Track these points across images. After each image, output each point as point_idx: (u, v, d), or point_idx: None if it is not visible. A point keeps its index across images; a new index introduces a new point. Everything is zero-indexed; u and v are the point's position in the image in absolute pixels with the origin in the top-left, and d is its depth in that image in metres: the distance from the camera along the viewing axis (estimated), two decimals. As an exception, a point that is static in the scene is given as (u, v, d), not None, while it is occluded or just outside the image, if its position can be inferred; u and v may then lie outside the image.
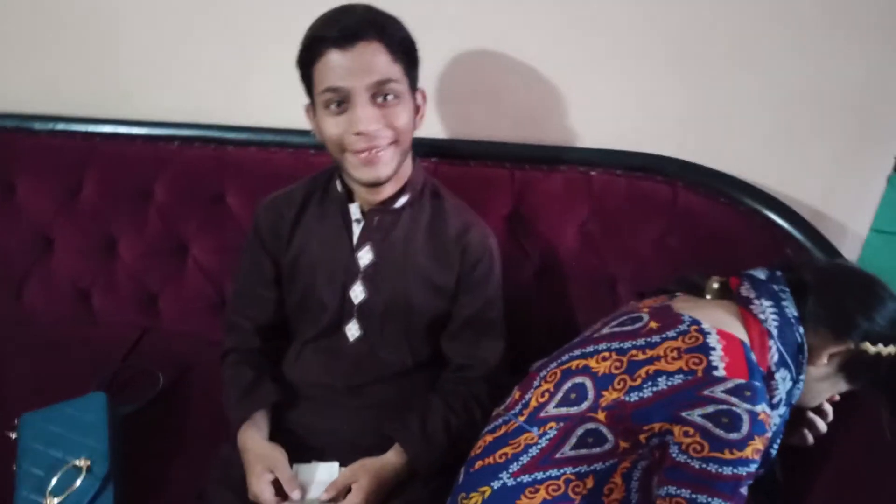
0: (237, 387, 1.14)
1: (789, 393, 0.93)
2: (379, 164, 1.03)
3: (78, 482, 1.08)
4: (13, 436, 1.17)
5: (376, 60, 0.98)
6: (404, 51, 1.03)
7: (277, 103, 1.35)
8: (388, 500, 1.04)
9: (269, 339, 1.22)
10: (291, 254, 1.16)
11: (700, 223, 1.27)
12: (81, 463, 1.11)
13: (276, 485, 1.02)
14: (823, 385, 0.97)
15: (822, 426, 1.03)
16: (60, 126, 1.43)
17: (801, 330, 0.92)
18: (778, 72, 1.22)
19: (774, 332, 0.91)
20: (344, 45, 0.97)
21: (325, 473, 1.07)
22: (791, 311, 0.93)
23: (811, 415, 1.05)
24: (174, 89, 1.43)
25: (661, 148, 1.31)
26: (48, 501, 1.06)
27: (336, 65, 0.98)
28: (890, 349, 0.93)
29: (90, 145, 1.42)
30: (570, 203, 1.32)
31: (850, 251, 1.35)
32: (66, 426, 1.16)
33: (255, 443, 1.07)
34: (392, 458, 1.07)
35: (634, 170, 1.31)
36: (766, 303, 0.94)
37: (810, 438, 1.04)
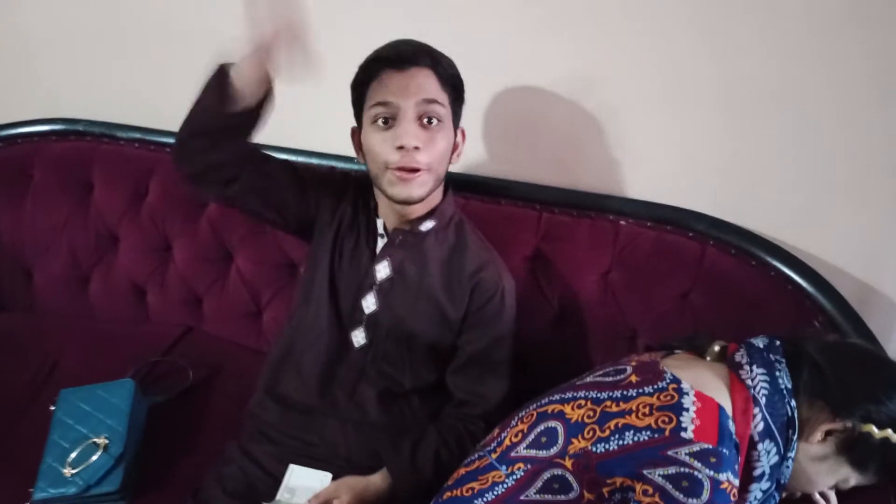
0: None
1: (775, 468, 0.88)
2: (414, 184, 1.08)
3: (94, 457, 1.18)
4: (52, 408, 1.29)
5: (427, 83, 1.06)
6: (453, 84, 1.10)
7: (327, 129, 1.43)
8: None
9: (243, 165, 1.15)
10: (320, 236, 1.20)
11: (727, 283, 1.24)
12: (100, 441, 1.20)
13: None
14: (822, 467, 0.91)
15: None
16: (137, 135, 1.58)
17: (793, 403, 0.88)
18: (822, 131, 1.18)
19: (762, 399, 0.88)
20: (399, 66, 1.05)
21: (316, 481, 1.11)
22: (784, 381, 0.89)
23: (816, 497, 0.98)
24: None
25: (694, 203, 1.29)
26: (67, 470, 1.16)
27: (389, 82, 1.06)
28: None
29: (159, 155, 1.56)
30: (594, 250, 1.31)
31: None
32: (95, 405, 1.27)
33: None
34: (377, 480, 1.10)
35: (664, 223, 1.29)
36: (758, 370, 0.91)
37: None
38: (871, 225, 1.22)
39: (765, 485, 0.88)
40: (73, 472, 1.16)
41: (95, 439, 1.20)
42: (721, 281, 1.24)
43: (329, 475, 1.12)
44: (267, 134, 1.47)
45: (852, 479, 0.91)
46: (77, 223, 1.60)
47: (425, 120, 1.07)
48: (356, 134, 1.15)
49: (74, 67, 1.63)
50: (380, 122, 1.07)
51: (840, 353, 0.93)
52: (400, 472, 1.10)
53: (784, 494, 0.93)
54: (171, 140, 1.55)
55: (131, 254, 1.59)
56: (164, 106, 1.57)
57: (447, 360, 1.19)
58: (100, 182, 1.58)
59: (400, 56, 1.06)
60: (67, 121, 1.62)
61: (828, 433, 0.88)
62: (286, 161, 1.24)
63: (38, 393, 1.39)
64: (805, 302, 1.18)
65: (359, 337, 1.19)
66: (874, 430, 0.86)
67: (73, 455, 1.18)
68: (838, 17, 1.10)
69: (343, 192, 1.23)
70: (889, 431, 0.86)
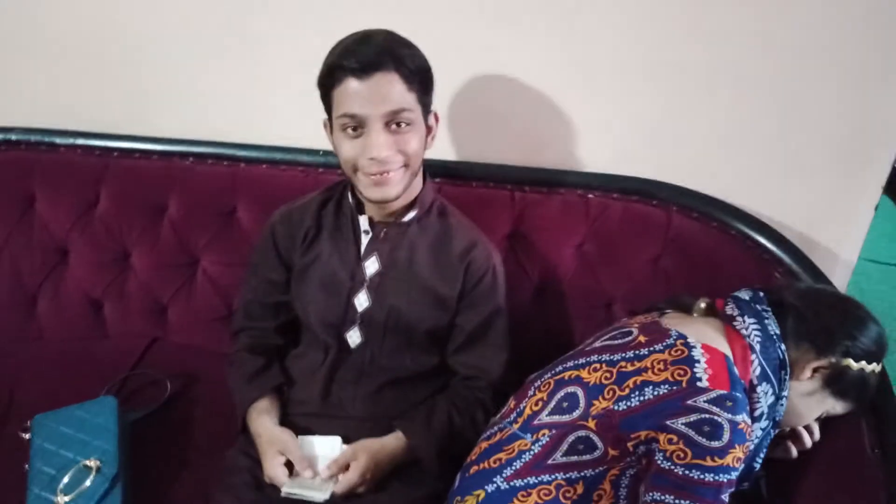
0: (245, 371, 1.21)
1: (772, 407, 0.97)
2: (389, 185, 1.08)
3: (88, 482, 1.12)
4: (26, 436, 1.21)
5: (392, 90, 1.03)
6: (420, 79, 1.07)
7: (288, 123, 1.41)
8: (387, 485, 1.11)
9: (287, 335, 1.29)
10: (304, 261, 1.21)
11: (692, 246, 1.33)
12: (91, 463, 1.14)
13: (289, 465, 1.08)
14: (811, 401, 1.01)
15: (807, 441, 1.07)
16: (80, 141, 1.49)
17: (783, 346, 0.98)
18: (774, 102, 1.28)
19: (757, 346, 0.96)
20: (361, 75, 1.02)
21: (327, 447, 1.13)
22: (773, 328, 0.99)
23: (799, 428, 1.09)
24: (190, 108, 1.49)
25: (656, 173, 1.36)
26: (59, 499, 1.10)
27: (353, 92, 1.03)
28: (874, 367, 0.98)
29: (107, 161, 1.48)
30: (567, 224, 1.37)
31: (840, 279, 1.40)
32: (77, 428, 1.20)
33: (266, 428, 1.14)
34: (392, 441, 1.13)
35: (630, 193, 1.36)
36: (750, 320, 0.99)
37: (794, 452, 1.08)
38: (812, 186, 1.34)
39: (763, 423, 0.97)
40: (68, 499, 1.10)
41: (86, 462, 1.15)
42: (687, 244, 1.33)
43: (338, 438, 1.14)
44: (229, 130, 1.47)
45: (837, 407, 1.02)
46: (19, 241, 1.50)
47: (394, 125, 1.06)
48: (328, 127, 1.14)
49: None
50: (349, 130, 1.06)
51: (815, 299, 1.04)
52: (415, 433, 1.13)
53: (776, 431, 1.03)
54: (118, 144, 1.49)
55: (83, 267, 1.50)
56: (106, 109, 1.51)
57: (445, 341, 1.22)
58: (42, 194, 1.49)
59: (362, 63, 1.01)
60: (1, 129, 1.50)
61: (815, 370, 0.98)
62: (278, 297, 1.26)
63: (2, 423, 1.30)
64: (764, 256, 1.28)
65: (354, 337, 1.20)
66: (852, 363, 0.97)
67: (65, 480, 1.12)
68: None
69: (276, 233, 1.24)
70: (864, 363, 0.98)
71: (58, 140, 1.49)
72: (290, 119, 1.36)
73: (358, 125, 1.05)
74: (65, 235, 1.49)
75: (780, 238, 1.28)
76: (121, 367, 1.42)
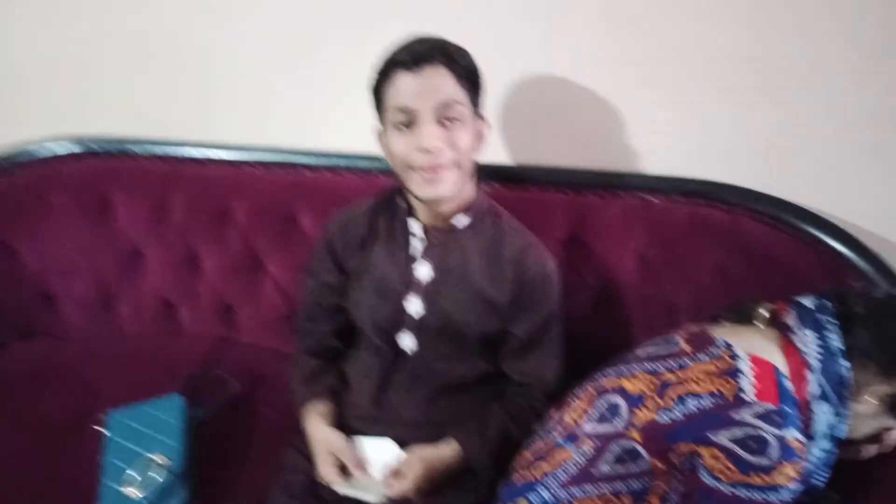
0: (304, 373, 1.26)
1: (833, 427, 0.91)
2: (440, 183, 1.08)
3: (154, 475, 1.18)
4: (101, 430, 1.28)
5: (442, 83, 1.06)
6: (469, 77, 1.09)
7: (347, 130, 1.43)
8: (438, 492, 1.11)
9: (345, 338, 1.31)
10: (358, 266, 1.23)
11: (761, 251, 1.26)
12: (159, 458, 1.20)
13: (342, 468, 1.11)
14: (867, 421, 0.95)
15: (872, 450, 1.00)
16: (154, 149, 1.57)
17: (847, 364, 0.91)
18: (844, 99, 1.21)
19: (816, 364, 0.90)
20: (413, 68, 1.05)
21: (379, 450, 1.15)
22: (836, 343, 0.92)
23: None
24: (255, 117, 1.54)
25: (722, 175, 1.31)
26: (128, 490, 1.16)
27: (405, 86, 1.05)
28: None
29: (178, 167, 1.55)
30: (629, 229, 1.33)
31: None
32: (146, 424, 1.27)
33: (319, 430, 1.17)
34: (447, 450, 1.13)
35: (695, 196, 1.31)
36: (811, 333, 0.93)
37: (870, 451, 1.00)
38: (892, 184, 1.25)
39: (824, 443, 0.91)
40: (135, 491, 1.16)
41: (153, 457, 1.20)
42: (756, 250, 1.26)
43: (390, 441, 1.16)
44: (292, 138, 1.51)
45: (892, 428, 0.95)
46: (100, 244, 1.59)
47: (445, 119, 1.07)
48: (381, 136, 1.16)
49: (78, 86, 1.61)
50: (401, 125, 1.08)
51: (886, 311, 0.96)
52: (470, 443, 1.13)
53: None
54: (189, 151, 1.56)
55: (159, 270, 1.58)
56: (177, 117, 1.58)
57: (499, 347, 1.21)
58: (120, 200, 1.57)
59: (413, 57, 1.05)
60: (79, 141, 1.60)
61: (878, 394, 0.91)
62: (335, 300, 1.29)
63: (83, 415, 1.37)
64: (838, 261, 1.20)
65: (407, 341, 1.20)
66: None
67: (134, 474, 1.18)
68: None
69: (333, 239, 1.26)
70: None
71: (134, 148, 1.58)
72: (348, 127, 1.38)
73: (410, 120, 1.07)
74: (141, 238, 1.58)
75: (855, 243, 1.20)
76: (191, 364, 1.48)
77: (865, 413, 0.93)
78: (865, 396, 0.91)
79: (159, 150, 1.57)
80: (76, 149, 1.60)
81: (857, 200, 1.27)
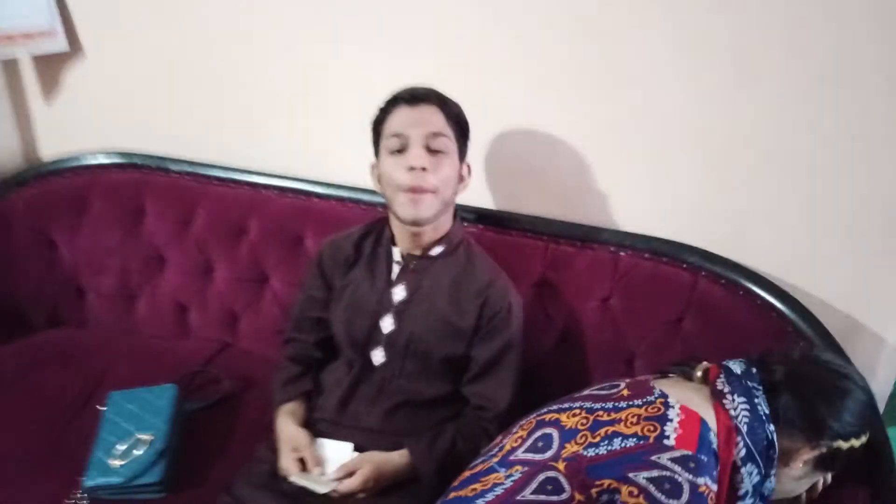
0: (283, 376, 1.39)
1: (758, 485, 0.97)
2: (421, 204, 1.23)
3: (138, 451, 1.31)
4: (103, 409, 1.43)
5: (434, 118, 1.25)
6: (458, 123, 1.28)
7: (355, 167, 1.58)
8: (384, 493, 1.22)
9: (327, 350, 1.44)
10: (342, 283, 1.37)
11: (716, 311, 1.35)
12: (145, 437, 1.34)
13: (303, 464, 1.23)
14: (801, 482, 1.03)
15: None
16: (186, 168, 1.76)
17: (772, 428, 0.97)
18: (810, 181, 1.31)
19: (744, 428, 0.96)
20: (411, 103, 1.25)
21: (338, 451, 1.26)
22: (763, 408, 0.99)
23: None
24: (276, 148, 1.72)
25: (688, 236, 1.41)
26: (113, 462, 1.29)
27: (402, 116, 1.25)
28: (861, 440, 0.98)
29: (206, 186, 1.73)
30: (596, 278, 1.44)
31: (889, 365, 1.36)
32: (141, 406, 1.41)
33: (287, 428, 1.30)
34: (396, 457, 1.24)
35: (660, 255, 1.41)
36: (739, 399, 0.99)
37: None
38: (856, 265, 1.33)
39: (749, 501, 0.97)
40: (120, 463, 1.30)
41: (141, 435, 1.34)
42: (711, 308, 1.35)
43: (350, 445, 1.27)
44: (307, 169, 1.68)
45: (828, 478, 1.03)
46: (129, 246, 1.77)
47: (432, 148, 1.23)
48: (375, 167, 1.32)
49: (129, 108, 1.83)
50: (394, 151, 1.24)
51: (805, 378, 1.03)
52: (419, 452, 1.24)
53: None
54: (216, 172, 1.74)
55: (177, 274, 1.75)
56: (209, 141, 1.77)
57: (461, 371, 1.32)
58: (151, 209, 1.76)
59: (413, 95, 1.26)
60: (125, 154, 1.81)
61: (806, 461, 0.99)
62: (319, 313, 1.42)
63: (90, 396, 1.52)
64: (787, 328, 1.28)
65: (378, 356, 1.32)
66: (842, 444, 0.97)
67: (120, 448, 1.32)
68: (819, 79, 1.23)
69: (324, 257, 1.41)
70: (853, 441, 0.97)
71: (170, 165, 1.77)
72: (356, 163, 1.54)
73: (402, 145, 1.23)
74: (165, 246, 1.75)
75: (802, 309, 1.28)
76: (192, 364, 1.62)
77: (796, 476, 1.01)
78: (797, 462, 0.99)
79: (190, 168, 1.76)
80: (120, 160, 1.80)
81: (814, 275, 1.36)
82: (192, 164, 1.76)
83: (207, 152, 1.75)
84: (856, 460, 1.00)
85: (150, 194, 1.77)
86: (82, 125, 1.88)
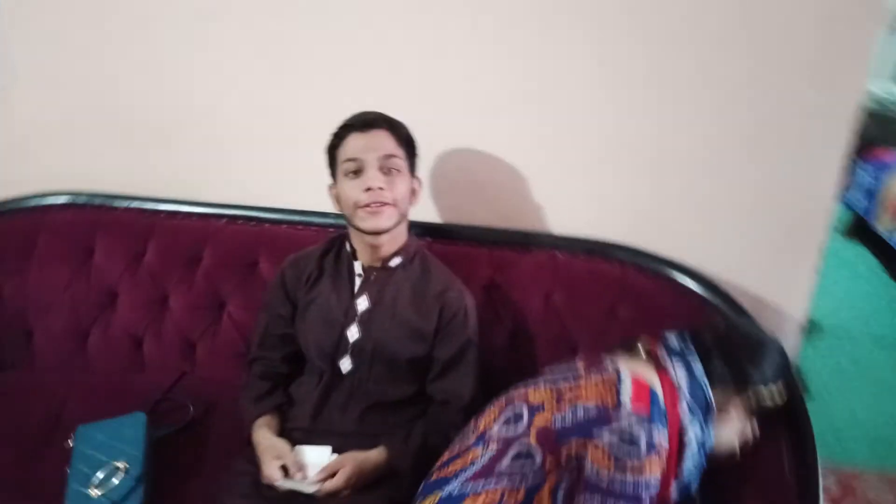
0: (254, 393, 1.44)
1: (701, 439, 1.13)
2: (381, 217, 1.34)
3: (116, 479, 1.34)
4: (71, 444, 1.43)
5: (386, 142, 1.35)
6: (407, 143, 1.39)
7: (303, 191, 1.68)
8: (366, 489, 1.29)
9: (292, 365, 1.50)
10: (306, 299, 1.45)
11: (645, 298, 1.52)
12: (120, 464, 1.36)
13: (284, 471, 1.28)
14: (736, 428, 1.19)
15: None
16: (134, 204, 1.80)
17: (707, 383, 1.14)
18: (713, 178, 1.50)
19: (686, 390, 1.13)
20: (362, 129, 1.35)
21: (318, 455, 1.33)
22: (698, 371, 1.16)
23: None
24: (224, 178, 1.79)
25: (615, 235, 1.58)
26: (92, 491, 1.31)
27: (356, 142, 1.35)
28: (779, 385, 1.16)
29: (155, 220, 1.77)
30: (538, 278, 1.58)
31: (791, 338, 1.56)
32: (111, 435, 1.43)
33: (266, 439, 1.36)
34: (375, 454, 1.32)
35: (592, 253, 1.58)
36: (678, 365, 1.17)
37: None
38: (758, 250, 1.53)
39: (696, 454, 1.13)
40: (99, 492, 1.32)
41: (116, 463, 1.36)
42: (640, 296, 1.53)
43: (328, 448, 1.34)
44: (256, 196, 1.75)
45: (754, 427, 1.20)
46: (79, 283, 1.78)
47: (386, 170, 1.34)
48: (332, 188, 1.42)
49: (74, 147, 1.85)
50: (350, 174, 1.35)
51: (729, 341, 1.21)
52: (394, 449, 1.33)
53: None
54: (165, 206, 1.78)
55: (129, 308, 1.77)
56: (158, 177, 1.82)
57: (425, 371, 1.43)
58: (100, 246, 1.78)
59: (364, 122, 1.36)
60: (72, 193, 1.82)
61: (738, 409, 1.16)
62: (284, 329, 1.50)
63: (50, 436, 1.52)
64: (705, 307, 1.47)
65: (346, 364, 1.41)
66: (763, 389, 1.15)
67: (98, 477, 1.34)
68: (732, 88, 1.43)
69: (286, 275, 1.48)
70: (771, 386, 1.16)
71: (116, 203, 1.80)
72: (305, 188, 1.63)
73: (358, 168, 1.34)
74: (116, 281, 1.77)
75: (714, 288, 1.48)
76: (153, 394, 1.65)
77: (734, 426, 1.17)
78: (730, 412, 1.16)
79: (138, 204, 1.79)
80: (66, 200, 1.82)
81: (724, 258, 1.55)
82: (138, 199, 1.80)
83: (156, 188, 1.79)
84: (777, 406, 1.18)
85: (98, 231, 1.79)
86: (25, 166, 1.88)
